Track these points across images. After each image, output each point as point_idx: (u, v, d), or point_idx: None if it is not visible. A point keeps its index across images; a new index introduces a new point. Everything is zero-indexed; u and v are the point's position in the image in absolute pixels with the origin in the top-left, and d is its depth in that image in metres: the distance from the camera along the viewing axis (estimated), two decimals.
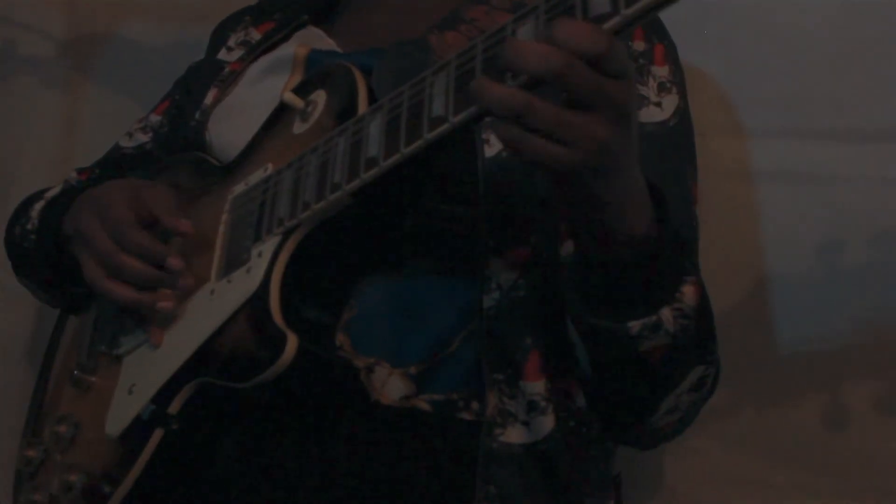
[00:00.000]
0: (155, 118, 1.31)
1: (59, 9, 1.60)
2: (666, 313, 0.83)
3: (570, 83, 0.70)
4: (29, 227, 1.18)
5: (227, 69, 1.18)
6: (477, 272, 0.93)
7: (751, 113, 1.27)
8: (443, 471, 0.92)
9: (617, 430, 0.98)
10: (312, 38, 1.15)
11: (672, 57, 1.09)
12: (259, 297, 0.90)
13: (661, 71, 1.05)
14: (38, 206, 1.20)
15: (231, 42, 1.24)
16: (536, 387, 0.92)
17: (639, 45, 1.06)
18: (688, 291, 0.84)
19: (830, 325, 1.21)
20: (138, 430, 0.96)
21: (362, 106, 0.92)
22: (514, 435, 0.91)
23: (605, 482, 0.97)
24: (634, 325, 0.83)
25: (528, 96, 0.71)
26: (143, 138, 1.30)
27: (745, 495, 1.24)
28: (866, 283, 1.17)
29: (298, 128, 0.99)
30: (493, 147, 0.95)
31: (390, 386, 0.93)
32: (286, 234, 0.92)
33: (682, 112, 1.07)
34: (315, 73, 1.01)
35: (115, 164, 1.29)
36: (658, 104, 1.04)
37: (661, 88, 1.05)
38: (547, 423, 0.92)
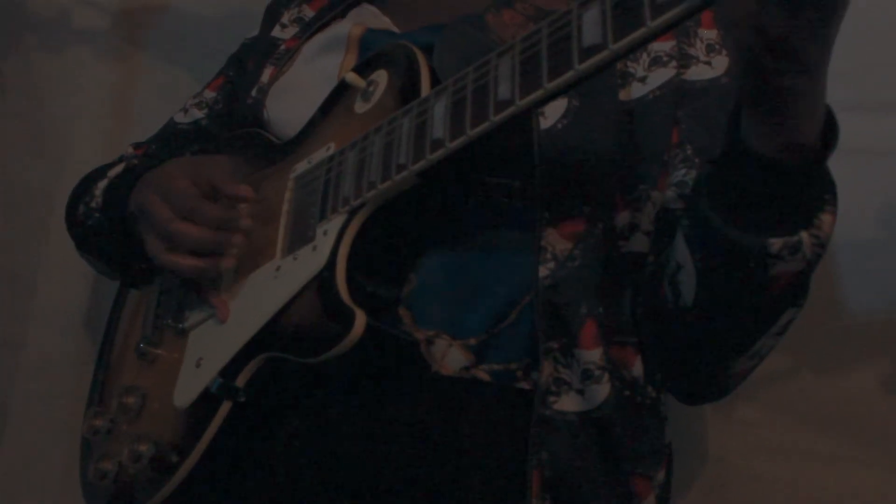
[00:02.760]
0: (209, 94, 1.31)
1: None
2: (805, 237, 0.78)
3: None
4: (93, 205, 1.18)
5: (282, 47, 1.19)
6: (533, 243, 0.94)
7: None
8: (499, 438, 0.93)
9: (692, 376, 0.97)
10: (367, 16, 1.15)
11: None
12: (326, 275, 0.92)
13: (710, 34, 1.03)
14: (102, 184, 1.20)
15: (285, 19, 1.24)
16: (592, 355, 0.93)
17: None
18: (826, 220, 0.78)
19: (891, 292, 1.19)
20: (206, 402, 0.98)
21: (425, 86, 0.93)
22: (568, 403, 0.92)
23: (657, 451, 0.98)
24: (776, 243, 0.78)
25: None
26: (198, 114, 1.30)
27: (794, 465, 1.23)
28: None
29: (360, 107, 1.00)
30: (548, 119, 0.95)
31: (450, 357, 0.94)
32: (351, 213, 0.93)
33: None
34: (376, 52, 1.01)
35: (171, 140, 1.30)
36: (708, 63, 1.02)
37: (710, 49, 1.03)
38: (602, 391, 0.92)
